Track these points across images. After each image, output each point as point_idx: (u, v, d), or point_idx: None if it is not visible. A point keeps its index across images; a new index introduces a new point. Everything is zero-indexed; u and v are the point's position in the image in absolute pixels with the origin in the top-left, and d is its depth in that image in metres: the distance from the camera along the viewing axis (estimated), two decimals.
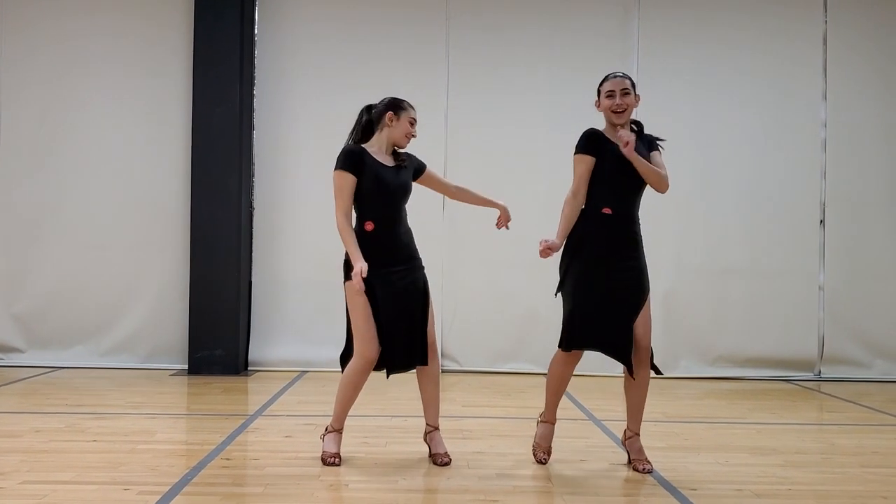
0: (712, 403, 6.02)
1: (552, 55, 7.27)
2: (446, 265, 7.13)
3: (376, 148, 4.04)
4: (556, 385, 4.11)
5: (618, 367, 4.42)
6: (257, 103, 7.17)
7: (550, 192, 7.16)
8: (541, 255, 3.88)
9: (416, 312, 3.98)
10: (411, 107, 4.10)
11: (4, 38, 7.08)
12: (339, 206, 3.93)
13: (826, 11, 7.31)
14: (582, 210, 3.96)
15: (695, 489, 3.67)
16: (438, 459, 4.01)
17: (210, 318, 6.83)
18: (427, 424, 4.12)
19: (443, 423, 4.23)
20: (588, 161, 3.93)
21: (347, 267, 3.94)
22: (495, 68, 7.25)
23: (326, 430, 4.09)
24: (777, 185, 7.28)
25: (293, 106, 7.21)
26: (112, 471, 3.76)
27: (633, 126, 4.06)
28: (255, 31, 7.15)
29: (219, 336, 6.83)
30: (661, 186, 3.97)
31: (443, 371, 7.08)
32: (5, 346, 7.06)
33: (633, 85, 4.01)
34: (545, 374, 6.85)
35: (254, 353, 7.11)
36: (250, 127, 7.11)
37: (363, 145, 4.05)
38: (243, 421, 4.97)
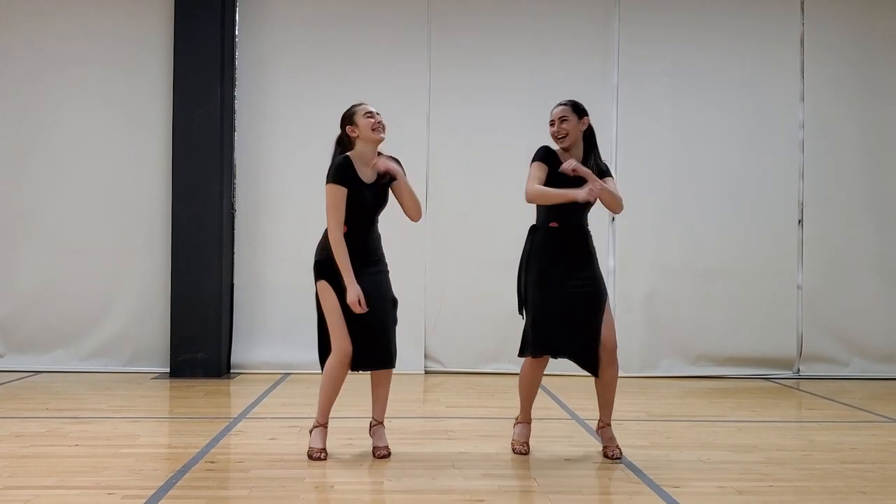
0: (693, 402, 6.07)
1: (534, 58, 7.30)
2: (429, 266, 7.15)
3: (359, 162, 4.12)
4: (527, 389, 4.35)
5: None
6: (238, 105, 7.15)
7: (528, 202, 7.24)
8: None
9: (386, 312, 4.12)
10: (359, 105, 4.18)
11: None
12: (333, 219, 4.02)
13: (803, 13, 7.40)
14: (532, 226, 4.23)
15: (678, 486, 3.71)
16: (378, 452, 4.16)
17: (192, 321, 6.80)
18: (373, 419, 4.28)
19: (427, 424, 4.26)
20: (545, 169, 4.13)
21: (319, 267, 4.10)
22: (477, 71, 7.27)
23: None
24: (756, 185, 7.35)
25: (275, 108, 7.20)
26: (95, 475, 3.75)
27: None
28: (236, 33, 7.13)
29: (201, 339, 6.81)
30: (616, 207, 4.16)
31: (426, 372, 7.10)
32: None
33: (578, 111, 4.19)
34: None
35: (236, 355, 7.08)
36: (231, 129, 7.09)
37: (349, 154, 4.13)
38: (227, 424, 4.95)
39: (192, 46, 6.82)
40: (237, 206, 7.17)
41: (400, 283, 4.42)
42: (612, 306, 7.16)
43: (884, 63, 7.43)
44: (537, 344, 4.13)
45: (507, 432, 4.66)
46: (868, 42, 7.43)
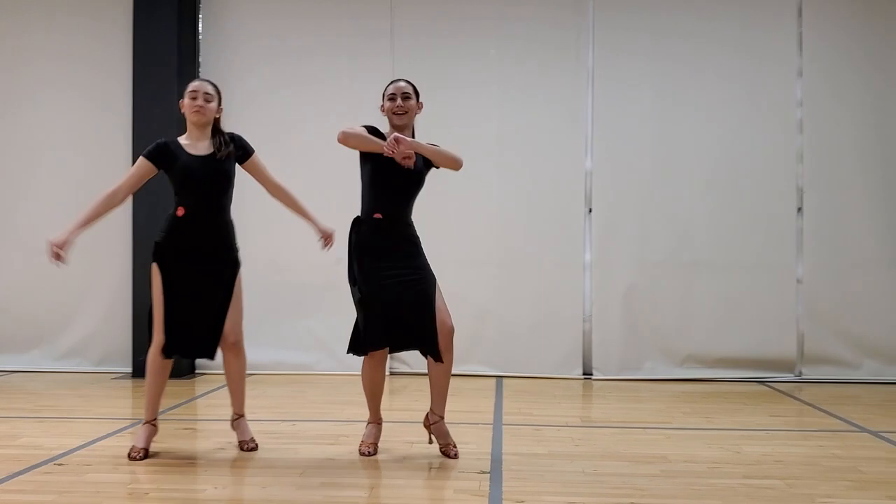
0: (666, 406, 5.55)
1: (502, 42, 6.90)
2: None
3: (187, 139, 4.04)
4: (370, 389, 4.15)
5: None
6: None
7: (501, 187, 6.85)
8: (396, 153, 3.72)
9: (211, 303, 4.01)
10: (192, 81, 4.11)
11: None
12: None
13: None
14: (355, 218, 4.03)
15: (521, 501, 3.30)
16: (244, 446, 4.14)
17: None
18: (234, 412, 4.24)
19: (337, 428, 4.24)
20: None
21: (156, 249, 4.02)
22: (443, 61, 6.91)
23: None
24: (748, 170, 6.72)
25: (239, 104, 7.05)
26: None
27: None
28: (199, 28, 7.05)
29: None
30: (454, 163, 4.00)
31: (391, 374, 6.81)
32: None
33: (417, 93, 4.08)
34: (498, 376, 6.60)
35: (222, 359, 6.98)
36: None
37: (179, 137, 4.04)
38: (125, 425, 4.81)
39: (151, 43, 6.74)
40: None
41: None
42: (588, 302, 6.76)
43: (892, 32, 6.66)
44: (369, 340, 3.92)
45: (469, 437, 4.42)
46: (871, 7, 6.67)
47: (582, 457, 4.08)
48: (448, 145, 6.95)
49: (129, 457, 3.95)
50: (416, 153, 3.80)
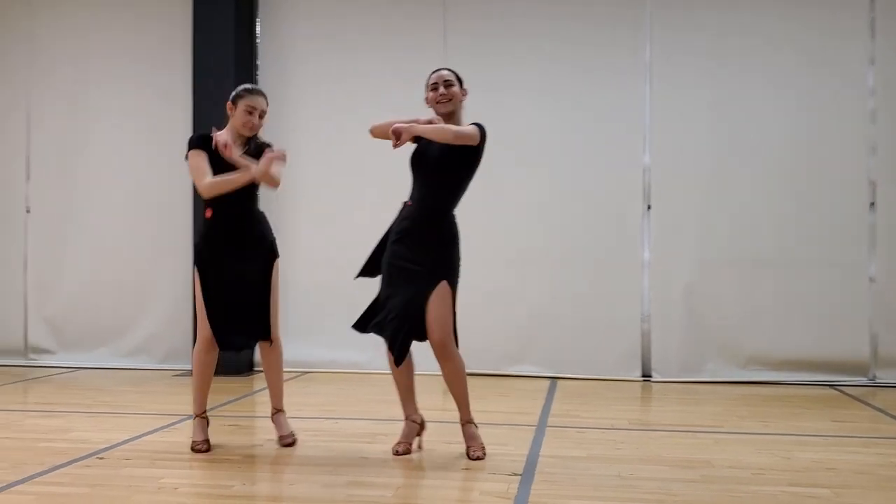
0: (725, 410, 5.35)
1: (555, 36, 6.78)
2: None
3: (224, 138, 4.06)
4: (396, 381, 4.11)
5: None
6: None
7: (557, 184, 6.73)
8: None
9: (251, 294, 4.09)
10: (251, 93, 4.06)
11: (34, 50, 7.46)
12: (198, 181, 4.00)
13: None
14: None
15: None
16: (283, 441, 4.20)
17: None
18: (273, 407, 4.30)
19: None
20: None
21: (195, 251, 4.11)
22: (497, 58, 6.82)
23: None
24: (817, 163, 6.41)
25: (295, 111, 7.14)
26: None
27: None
28: (257, 30, 7.16)
29: None
30: (452, 137, 3.76)
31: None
32: (38, 348, 7.44)
33: (460, 80, 4.01)
34: (553, 378, 6.47)
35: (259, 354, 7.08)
36: None
37: (217, 134, 4.06)
38: (171, 421, 4.90)
39: (211, 52, 6.90)
40: (260, 206, 7.16)
41: None
42: (646, 301, 6.57)
43: None
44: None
45: (508, 439, 4.37)
46: None
47: (621, 460, 3.94)
48: (501, 135, 6.95)
49: (194, 450, 4.05)
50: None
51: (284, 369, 6.81)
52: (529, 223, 6.76)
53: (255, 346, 4.26)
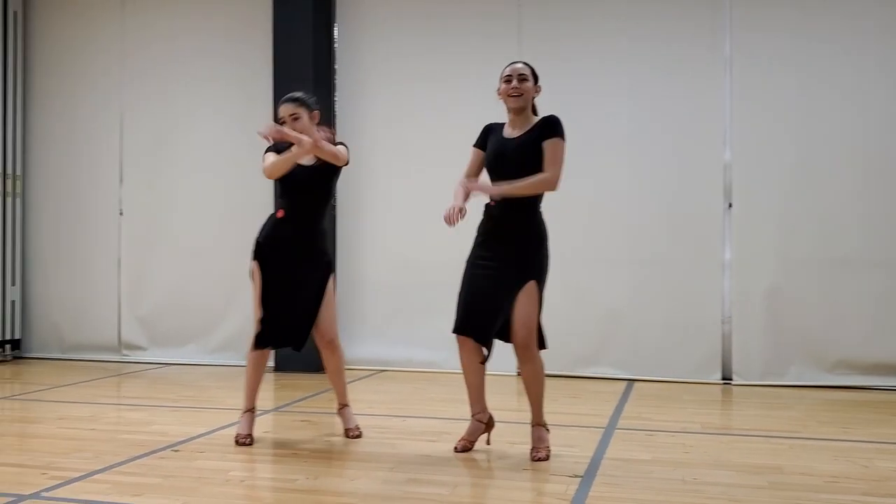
0: (804, 415, 5.17)
1: (632, 30, 6.67)
2: None
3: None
4: (465, 378, 4.08)
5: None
6: (338, 108, 7.30)
7: (633, 181, 6.61)
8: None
9: (302, 302, 4.20)
10: (280, 103, 4.22)
11: (125, 58, 7.80)
12: (264, 167, 4.14)
13: None
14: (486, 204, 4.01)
15: None
16: (349, 433, 4.37)
17: None
18: (338, 402, 4.47)
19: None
20: (473, 153, 4.07)
21: (256, 247, 4.27)
22: (571, 54, 6.76)
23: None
24: None
25: (372, 112, 7.25)
26: (59, 456, 3.99)
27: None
28: (335, 35, 7.30)
29: None
30: (544, 188, 3.87)
31: (519, 374, 6.72)
32: (131, 345, 7.78)
33: (535, 75, 4.00)
34: (629, 380, 6.37)
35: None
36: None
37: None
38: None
39: (291, 56, 7.08)
40: (338, 205, 7.32)
41: None
42: (727, 302, 6.40)
43: None
44: (455, 322, 4.02)
45: (575, 440, 4.37)
46: None
47: (687, 464, 3.85)
48: (576, 133, 6.88)
49: (237, 443, 4.20)
50: None
51: (361, 367, 7.07)
52: (606, 222, 6.67)
53: (299, 349, 4.37)
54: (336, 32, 7.31)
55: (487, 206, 3.94)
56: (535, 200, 3.92)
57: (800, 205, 6.28)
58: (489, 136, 4.00)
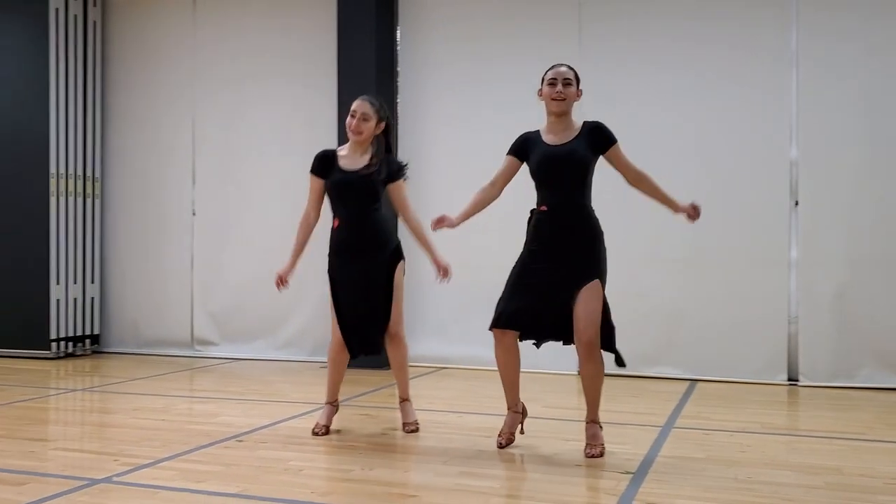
0: (873, 418, 5.05)
1: (694, 26, 6.60)
2: None
3: (346, 150, 4.40)
4: (500, 372, 4.18)
5: None
6: (401, 109, 7.41)
7: (697, 178, 6.54)
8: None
9: (372, 300, 4.30)
10: (362, 98, 4.38)
11: (197, 68, 8.08)
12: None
13: None
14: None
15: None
16: (406, 427, 4.46)
17: None
18: (399, 396, 4.58)
19: (547, 424, 4.24)
20: (507, 160, 4.18)
21: (328, 261, 4.53)
22: (632, 64, 6.72)
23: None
24: None
25: (434, 114, 7.34)
26: (132, 444, 4.20)
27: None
28: (397, 38, 7.42)
29: None
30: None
31: (580, 373, 6.72)
32: (203, 340, 8.05)
33: (578, 80, 4.06)
34: (692, 380, 6.31)
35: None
36: (394, 133, 7.38)
37: (340, 147, 4.48)
38: (311, 409, 5.19)
39: (354, 59, 7.22)
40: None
41: None
42: (793, 302, 6.29)
43: None
44: (495, 315, 4.06)
45: (573, 435, 4.36)
46: None
47: (741, 463, 3.82)
48: (638, 133, 6.83)
49: (313, 432, 4.38)
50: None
51: (422, 364, 7.17)
52: (669, 220, 6.53)
53: (378, 352, 4.47)
54: (399, 34, 7.44)
55: (540, 211, 3.98)
56: (587, 200, 3.97)
57: (868, 203, 6.11)
58: (527, 146, 4.05)
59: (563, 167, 3.93)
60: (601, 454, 3.92)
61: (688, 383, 6.32)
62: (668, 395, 5.81)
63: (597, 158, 4.01)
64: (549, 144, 3.99)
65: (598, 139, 3.96)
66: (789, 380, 6.29)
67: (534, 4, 7.05)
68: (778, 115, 6.37)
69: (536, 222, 4.00)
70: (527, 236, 4.06)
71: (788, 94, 6.35)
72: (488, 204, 4.20)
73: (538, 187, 4.03)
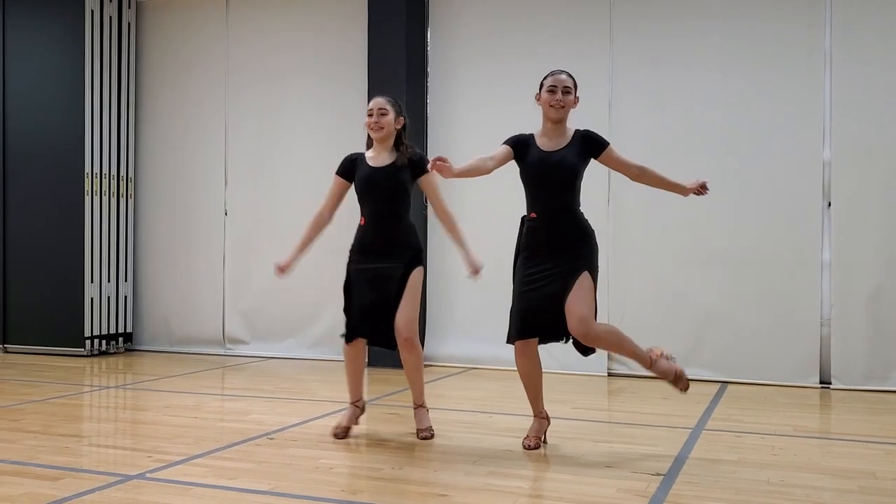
0: None
1: (726, 26, 6.55)
2: (611, 263, 6.73)
3: (372, 151, 4.43)
4: (523, 380, 4.21)
5: None
6: (430, 109, 7.43)
7: (728, 179, 6.49)
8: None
9: (386, 298, 4.27)
10: (378, 96, 4.45)
11: (230, 71, 8.16)
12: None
13: None
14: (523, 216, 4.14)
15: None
16: (420, 434, 4.36)
17: None
18: (413, 402, 4.49)
19: (580, 426, 4.16)
20: (503, 149, 4.14)
21: (349, 254, 4.48)
22: (662, 53, 6.68)
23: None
24: None
25: (463, 116, 7.35)
26: (164, 441, 4.26)
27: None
28: (427, 37, 7.44)
29: None
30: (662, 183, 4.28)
31: (609, 375, 6.70)
32: (234, 339, 8.13)
33: (576, 87, 4.10)
34: (723, 382, 6.26)
35: (428, 348, 7.34)
36: (424, 134, 7.41)
37: (368, 150, 4.50)
38: (341, 407, 5.21)
39: (385, 62, 7.25)
40: (428, 202, 7.44)
41: None
42: (826, 304, 6.22)
43: None
44: (509, 331, 4.13)
45: (607, 437, 4.39)
46: None
47: (773, 466, 3.79)
48: (669, 131, 6.76)
49: (332, 434, 4.36)
50: None
51: (451, 364, 7.19)
52: (701, 221, 6.55)
53: (388, 346, 4.41)
54: (428, 35, 7.46)
55: (531, 219, 4.02)
56: (577, 205, 4.03)
57: None
58: (523, 147, 4.06)
59: (554, 174, 3.99)
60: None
61: (718, 385, 6.27)
62: (699, 396, 5.77)
63: (587, 164, 4.06)
64: (542, 150, 4.03)
65: (590, 146, 4.02)
66: (821, 383, 6.23)
67: (564, 3, 7.04)
68: (810, 115, 6.31)
69: (529, 230, 4.05)
70: (518, 244, 4.11)
71: (821, 94, 6.28)
72: (481, 174, 4.09)
73: (529, 193, 4.07)
